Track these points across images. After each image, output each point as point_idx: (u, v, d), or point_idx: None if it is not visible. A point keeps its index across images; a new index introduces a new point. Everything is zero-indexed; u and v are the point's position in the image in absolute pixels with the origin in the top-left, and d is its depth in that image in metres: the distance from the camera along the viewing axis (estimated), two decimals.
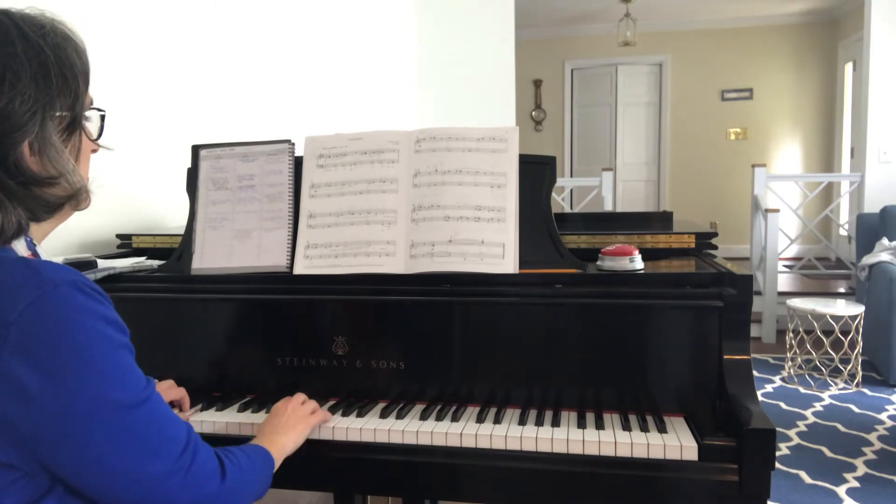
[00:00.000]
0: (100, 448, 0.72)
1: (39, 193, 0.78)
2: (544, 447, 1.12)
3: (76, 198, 0.82)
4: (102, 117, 0.89)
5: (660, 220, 1.70)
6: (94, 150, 0.90)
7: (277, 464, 1.01)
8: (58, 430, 0.71)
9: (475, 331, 1.27)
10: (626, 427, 1.14)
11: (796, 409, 3.42)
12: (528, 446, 1.12)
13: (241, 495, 0.87)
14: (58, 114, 0.79)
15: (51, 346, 0.70)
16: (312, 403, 1.19)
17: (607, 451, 1.10)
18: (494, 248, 1.27)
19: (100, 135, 0.89)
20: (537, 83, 8.09)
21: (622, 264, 1.26)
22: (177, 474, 0.77)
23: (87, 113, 0.85)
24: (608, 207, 5.25)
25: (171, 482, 0.76)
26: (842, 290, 5.34)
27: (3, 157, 0.74)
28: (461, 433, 1.14)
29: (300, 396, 1.18)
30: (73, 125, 0.82)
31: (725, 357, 1.17)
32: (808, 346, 3.86)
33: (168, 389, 1.24)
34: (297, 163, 1.39)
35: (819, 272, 5.67)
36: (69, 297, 0.72)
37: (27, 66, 0.76)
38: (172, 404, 1.24)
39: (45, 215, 0.81)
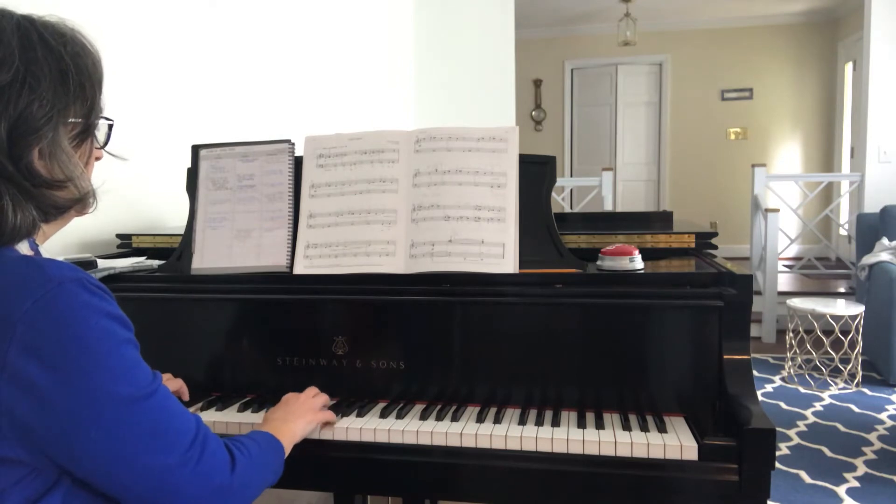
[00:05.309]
0: (109, 442, 0.73)
1: (49, 195, 0.79)
2: (544, 447, 1.12)
3: (83, 202, 0.83)
4: (110, 126, 0.91)
5: (660, 220, 1.70)
6: (98, 158, 0.91)
7: (287, 451, 1.02)
8: (66, 426, 0.71)
9: (475, 331, 1.27)
10: (626, 427, 1.14)
11: (796, 409, 3.42)
12: (528, 446, 1.12)
13: (252, 484, 0.87)
14: (71, 120, 0.81)
15: (57, 343, 0.71)
16: (324, 397, 1.21)
17: (607, 450, 1.10)
18: (494, 248, 1.26)
19: (106, 143, 0.91)
20: (537, 83, 8.09)
21: (622, 264, 1.26)
22: (186, 465, 0.77)
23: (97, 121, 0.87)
24: (608, 207, 5.24)
25: (180, 473, 0.77)
26: (842, 289, 5.33)
27: (18, 158, 0.76)
28: (461, 433, 1.14)
29: (312, 390, 1.21)
30: (85, 133, 0.84)
31: (725, 357, 1.17)
32: (808, 346, 3.86)
33: (166, 381, 1.25)
34: (297, 163, 1.39)
35: (819, 272, 5.67)
36: (74, 294, 0.72)
37: (47, 71, 0.77)
38: None
39: (54, 216, 0.82)
